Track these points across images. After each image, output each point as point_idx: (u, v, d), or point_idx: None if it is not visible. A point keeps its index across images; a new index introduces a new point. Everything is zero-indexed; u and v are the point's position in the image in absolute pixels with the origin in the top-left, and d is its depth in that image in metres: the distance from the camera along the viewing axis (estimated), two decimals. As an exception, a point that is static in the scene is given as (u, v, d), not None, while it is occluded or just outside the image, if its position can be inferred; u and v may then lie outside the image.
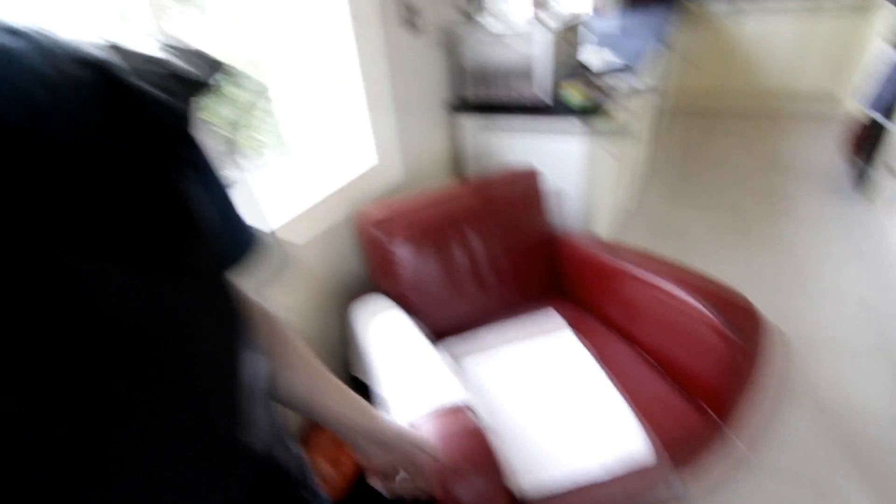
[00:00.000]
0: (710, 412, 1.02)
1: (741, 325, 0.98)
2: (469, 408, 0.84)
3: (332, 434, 0.54)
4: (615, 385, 1.06)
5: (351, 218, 1.32)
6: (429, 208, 1.29)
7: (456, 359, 1.19)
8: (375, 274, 1.30)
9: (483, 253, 1.34)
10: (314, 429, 1.16)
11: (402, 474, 0.56)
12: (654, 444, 0.95)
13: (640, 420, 0.98)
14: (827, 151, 2.99)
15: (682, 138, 3.37)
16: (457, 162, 1.80)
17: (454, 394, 0.85)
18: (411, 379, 0.92)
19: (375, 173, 1.41)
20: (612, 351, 1.16)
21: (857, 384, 1.55)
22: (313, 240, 1.22)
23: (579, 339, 1.20)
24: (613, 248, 1.31)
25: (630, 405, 1.01)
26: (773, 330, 1.00)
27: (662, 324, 1.10)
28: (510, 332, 1.27)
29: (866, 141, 2.39)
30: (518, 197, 1.40)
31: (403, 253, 1.25)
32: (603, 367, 1.11)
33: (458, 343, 1.25)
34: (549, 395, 1.07)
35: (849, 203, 2.48)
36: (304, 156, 1.36)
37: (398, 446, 0.54)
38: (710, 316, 0.98)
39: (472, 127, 1.70)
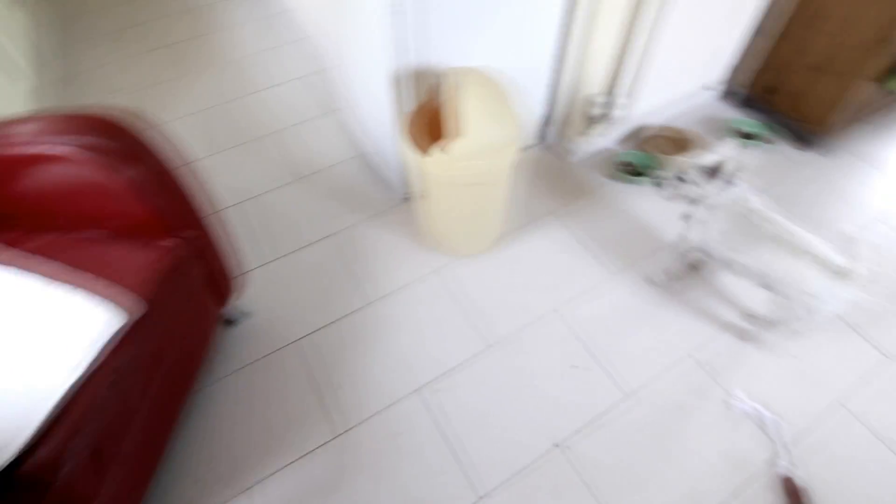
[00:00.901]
0: (174, 234, 1.00)
1: (125, 144, 0.91)
2: None
3: None
4: (56, 279, 0.89)
5: None
6: None
7: None
8: None
9: None
10: None
11: None
12: (134, 295, 0.88)
13: (107, 288, 0.88)
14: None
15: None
16: None
17: None
18: None
19: None
20: (41, 249, 0.95)
21: (318, 142, 1.88)
22: None
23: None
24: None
25: (85, 284, 0.89)
26: (159, 132, 0.98)
27: (70, 190, 0.93)
28: None
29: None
30: None
31: None
32: (33, 273, 0.90)
33: None
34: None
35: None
36: None
37: None
38: (94, 154, 0.87)
39: None
